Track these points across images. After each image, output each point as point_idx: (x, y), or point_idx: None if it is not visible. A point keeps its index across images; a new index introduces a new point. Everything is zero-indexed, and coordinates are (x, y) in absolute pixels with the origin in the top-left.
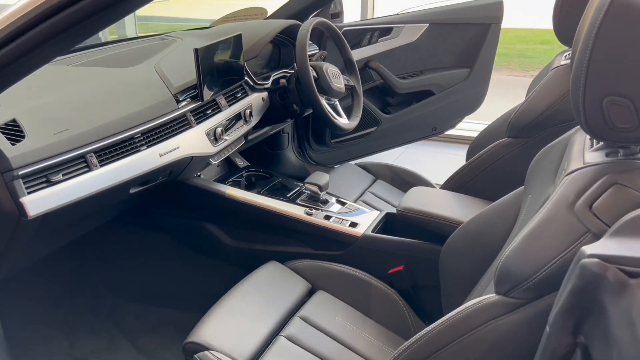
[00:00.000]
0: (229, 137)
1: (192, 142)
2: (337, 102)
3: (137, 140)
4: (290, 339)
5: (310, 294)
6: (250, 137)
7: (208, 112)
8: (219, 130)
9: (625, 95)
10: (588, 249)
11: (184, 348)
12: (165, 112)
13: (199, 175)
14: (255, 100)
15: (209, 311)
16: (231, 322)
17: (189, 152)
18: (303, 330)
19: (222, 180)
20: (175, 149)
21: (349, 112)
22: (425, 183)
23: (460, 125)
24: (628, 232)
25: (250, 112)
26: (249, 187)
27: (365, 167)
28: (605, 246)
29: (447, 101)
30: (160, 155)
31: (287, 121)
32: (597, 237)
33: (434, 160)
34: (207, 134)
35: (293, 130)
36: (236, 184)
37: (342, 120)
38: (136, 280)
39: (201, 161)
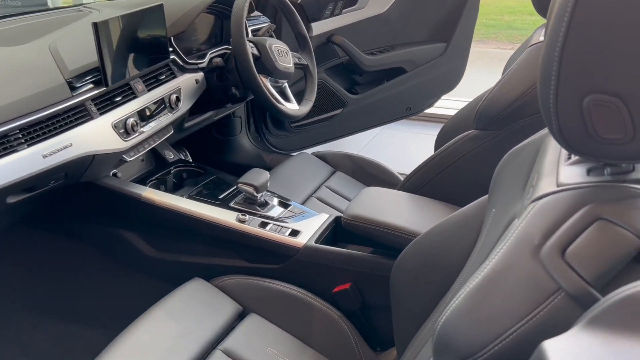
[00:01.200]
0: (147, 129)
1: (92, 137)
2: (287, 85)
3: (13, 138)
4: None
5: (240, 318)
6: (187, 125)
7: (117, 99)
8: (131, 121)
9: (614, 94)
10: (549, 347)
11: None
12: (54, 102)
13: (116, 174)
14: (185, 83)
15: (109, 345)
16: None
17: (87, 150)
18: None
19: (144, 178)
20: (65, 147)
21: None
22: (390, 175)
23: (441, 102)
24: (618, 323)
25: (178, 98)
26: (176, 187)
27: (323, 157)
28: (577, 347)
29: (422, 79)
30: (44, 157)
31: (227, 106)
32: (572, 299)
33: (412, 143)
34: (115, 127)
35: (247, 114)
36: (161, 183)
37: (290, 106)
38: (49, 294)
39: (109, 159)
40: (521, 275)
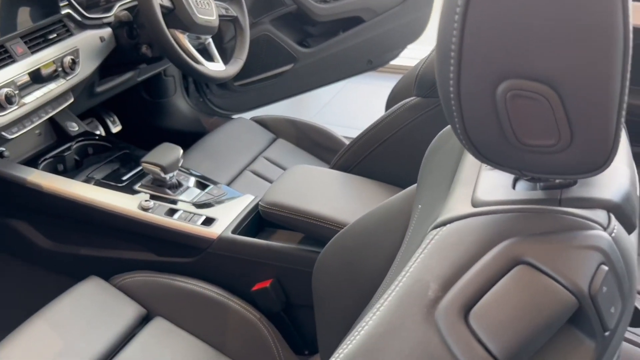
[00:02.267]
0: (31, 99)
1: None
2: (211, 41)
3: None
4: None
5: (143, 322)
6: (100, 90)
7: None
8: (5, 91)
9: (541, 79)
10: None
11: None
12: None
13: (1, 154)
14: (85, 42)
15: None
16: None
17: None
18: None
19: (39, 156)
20: None
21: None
22: (337, 143)
23: (411, 52)
24: None
25: (74, 60)
26: (78, 165)
27: (263, 123)
28: None
29: (382, 29)
30: None
31: (139, 68)
32: None
33: (379, 99)
34: None
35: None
36: (59, 162)
37: (212, 66)
38: None
39: None
40: (410, 342)
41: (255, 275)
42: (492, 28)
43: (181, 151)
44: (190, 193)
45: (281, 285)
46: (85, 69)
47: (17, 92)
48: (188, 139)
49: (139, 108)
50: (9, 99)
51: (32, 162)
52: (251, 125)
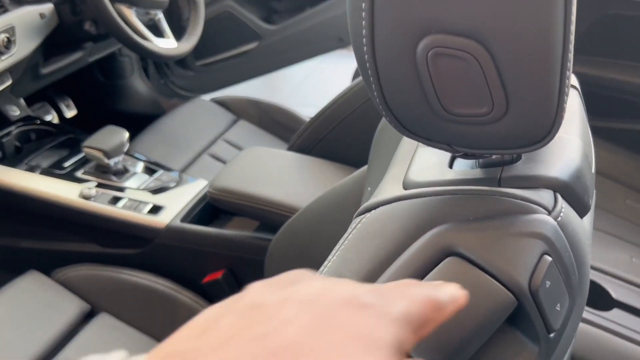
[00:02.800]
0: None
1: None
2: (162, 17)
3: None
4: None
5: (87, 319)
6: (46, 71)
7: None
8: None
9: (468, 34)
10: None
11: None
12: None
13: None
14: (22, 19)
15: None
16: None
17: None
18: None
19: None
20: None
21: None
22: (301, 123)
23: None
24: None
25: (9, 39)
26: (17, 151)
27: (223, 104)
28: None
29: None
30: None
31: (85, 47)
32: None
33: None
34: None
35: None
36: None
37: (162, 43)
38: None
39: None
40: None
41: (206, 266)
42: None
43: (127, 134)
44: (138, 179)
45: (234, 275)
46: (22, 48)
47: None
48: (147, 122)
49: (94, 91)
50: None
51: None
52: (211, 106)
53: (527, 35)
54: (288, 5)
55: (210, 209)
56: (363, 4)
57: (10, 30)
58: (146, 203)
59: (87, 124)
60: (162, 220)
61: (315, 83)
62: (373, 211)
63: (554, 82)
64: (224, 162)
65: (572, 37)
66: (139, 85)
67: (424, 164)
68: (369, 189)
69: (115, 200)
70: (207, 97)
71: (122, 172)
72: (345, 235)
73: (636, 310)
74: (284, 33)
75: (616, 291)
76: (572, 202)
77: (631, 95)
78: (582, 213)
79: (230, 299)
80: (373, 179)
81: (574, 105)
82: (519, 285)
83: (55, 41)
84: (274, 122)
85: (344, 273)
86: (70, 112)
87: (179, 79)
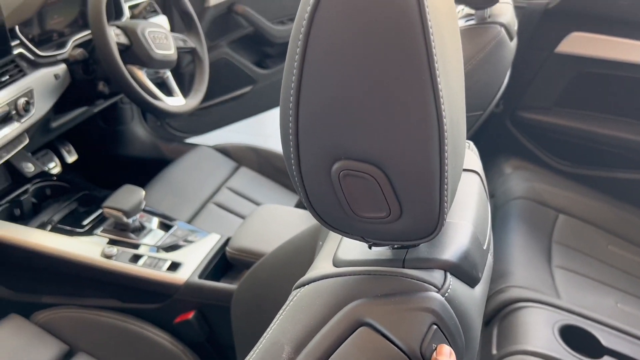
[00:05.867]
0: None
1: None
2: (170, 75)
3: None
4: None
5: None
6: (56, 125)
7: None
8: None
9: (370, 161)
10: None
11: None
12: None
13: None
14: (39, 82)
15: None
16: None
17: None
18: None
19: None
20: None
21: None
22: None
23: None
24: None
25: (28, 102)
26: (36, 209)
27: (225, 151)
28: None
29: None
30: None
31: (96, 104)
32: None
33: None
34: None
35: None
36: (16, 206)
37: (171, 101)
38: None
39: None
40: None
41: (177, 309)
42: (321, 113)
43: (143, 193)
44: (154, 235)
45: (204, 317)
46: (40, 109)
47: None
48: (147, 166)
49: (95, 136)
50: None
51: None
52: (212, 154)
53: (413, 162)
54: (280, 50)
55: (223, 261)
56: (290, 130)
57: (29, 93)
58: (165, 260)
59: (88, 168)
60: (181, 277)
61: None
62: (307, 286)
63: (435, 193)
64: (229, 210)
65: (447, 162)
66: (138, 130)
67: (350, 244)
68: (321, 243)
69: (135, 258)
70: (205, 138)
71: (140, 229)
72: (285, 305)
73: (626, 357)
74: (276, 76)
75: (605, 338)
76: (462, 277)
77: (609, 147)
78: (472, 284)
79: None
80: (324, 234)
81: (473, 188)
82: (412, 350)
83: (69, 99)
84: (274, 168)
85: (282, 340)
86: (71, 158)
87: (175, 121)
